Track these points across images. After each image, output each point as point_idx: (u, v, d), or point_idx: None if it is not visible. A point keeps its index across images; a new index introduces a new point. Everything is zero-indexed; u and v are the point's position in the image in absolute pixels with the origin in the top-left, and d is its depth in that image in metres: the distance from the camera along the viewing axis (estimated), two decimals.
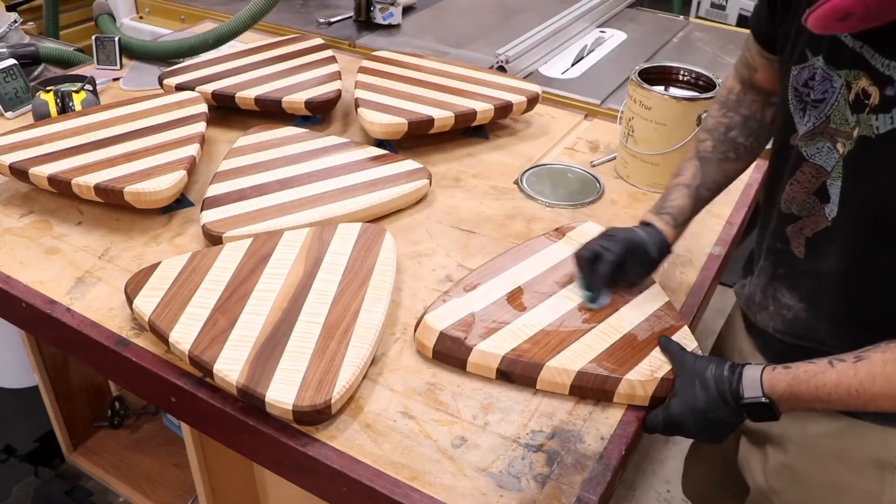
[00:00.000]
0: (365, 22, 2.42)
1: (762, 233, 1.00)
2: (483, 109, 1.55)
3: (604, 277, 1.05)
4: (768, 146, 1.05)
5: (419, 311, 1.10)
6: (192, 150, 1.37)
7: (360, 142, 1.53)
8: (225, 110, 1.64)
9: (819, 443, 0.95)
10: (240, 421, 0.96)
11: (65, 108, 1.52)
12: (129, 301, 1.07)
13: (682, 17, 2.77)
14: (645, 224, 1.09)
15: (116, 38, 1.88)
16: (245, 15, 1.86)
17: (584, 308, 1.08)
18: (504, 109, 1.58)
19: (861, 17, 0.69)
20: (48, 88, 1.56)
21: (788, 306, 0.94)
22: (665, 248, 1.08)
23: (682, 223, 1.09)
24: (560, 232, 1.25)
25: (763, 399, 0.87)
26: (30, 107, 1.60)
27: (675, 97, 1.37)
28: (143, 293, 1.07)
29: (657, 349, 1.01)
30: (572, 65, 2.19)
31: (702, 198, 1.09)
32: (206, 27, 2.13)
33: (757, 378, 0.88)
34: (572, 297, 1.10)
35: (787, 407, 0.87)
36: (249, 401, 0.95)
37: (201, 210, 1.27)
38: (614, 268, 1.04)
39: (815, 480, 0.96)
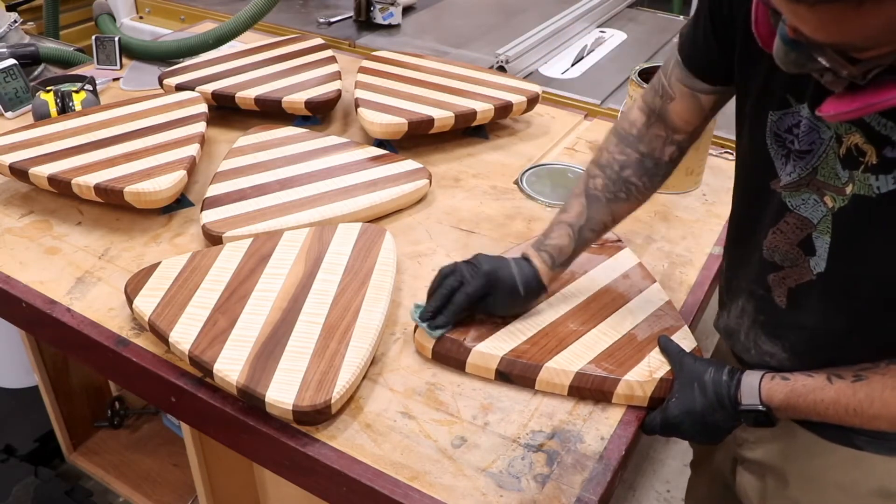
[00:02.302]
0: (365, 22, 2.42)
1: (738, 271, 0.96)
2: (483, 109, 1.55)
3: (457, 309, 1.01)
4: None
5: None
6: (192, 150, 1.37)
7: (360, 142, 1.53)
8: (225, 110, 1.64)
9: (823, 475, 0.93)
10: (240, 421, 0.96)
11: (65, 108, 1.53)
12: (129, 301, 1.07)
13: (682, 17, 2.77)
14: (524, 257, 1.05)
15: (116, 38, 1.88)
16: (245, 15, 1.86)
17: (583, 308, 1.08)
18: (504, 109, 1.58)
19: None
20: (48, 88, 1.56)
21: (771, 354, 0.92)
22: (538, 286, 1.04)
23: (560, 263, 1.05)
24: None
25: (760, 407, 0.87)
26: (30, 107, 1.60)
27: None
28: (143, 293, 1.07)
29: (657, 350, 1.01)
30: (572, 65, 2.19)
31: (584, 239, 1.04)
32: (206, 27, 2.13)
33: (755, 386, 0.88)
34: (572, 297, 1.10)
35: (783, 416, 0.88)
36: (249, 401, 0.95)
37: (201, 210, 1.27)
38: (471, 301, 1.00)
39: None
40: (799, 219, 0.83)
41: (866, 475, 0.90)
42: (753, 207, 0.90)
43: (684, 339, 1.03)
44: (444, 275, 1.03)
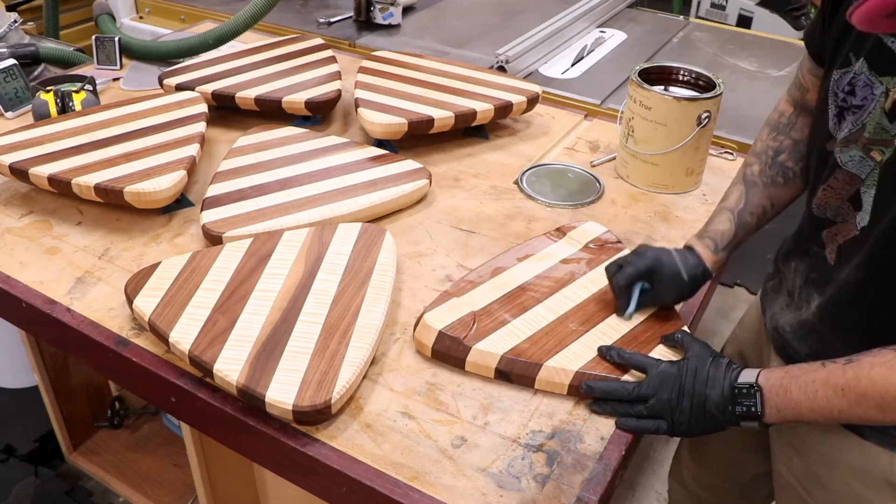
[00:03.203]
0: (365, 22, 2.42)
1: (797, 235, 0.99)
2: (483, 109, 1.55)
3: (619, 287, 1.05)
4: None
5: (419, 311, 1.10)
6: (192, 150, 1.37)
7: (360, 142, 1.53)
8: (225, 110, 1.64)
9: (836, 455, 0.94)
10: (240, 421, 0.96)
11: (65, 108, 1.53)
12: (129, 301, 1.07)
13: (682, 17, 2.77)
14: (687, 248, 1.09)
15: (116, 38, 1.88)
16: (245, 15, 1.86)
17: (583, 308, 1.08)
18: (504, 109, 1.58)
19: None
20: (48, 88, 1.56)
21: (811, 311, 0.93)
22: (701, 271, 1.07)
23: (723, 248, 1.08)
24: (561, 231, 1.25)
25: (753, 381, 0.88)
26: (30, 107, 1.60)
27: (675, 97, 1.37)
28: (143, 293, 1.07)
29: (656, 349, 1.02)
30: (572, 65, 2.19)
31: (745, 223, 1.07)
32: (206, 27, 2.13)
33: (754, 372, 0.89)
34: (572, 296, 1.10)
35: (774, 404, 0.86)
36: (249, 401, 0.95)
37: (201, 210, 1.27)
38: (632, 280, 1.05)
39: (837, 489, 0.96)
40: (847, 175, 0.84)
41: (872, 463, 0.91)
42: (814, 170, 0.92)
43: None
44: (609, 266, 1.09)
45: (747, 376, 0.89)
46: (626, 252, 1.20)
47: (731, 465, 1.29)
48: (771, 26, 3.08)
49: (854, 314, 0.87)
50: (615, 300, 1.07)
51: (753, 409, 0.87)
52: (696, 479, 1.39)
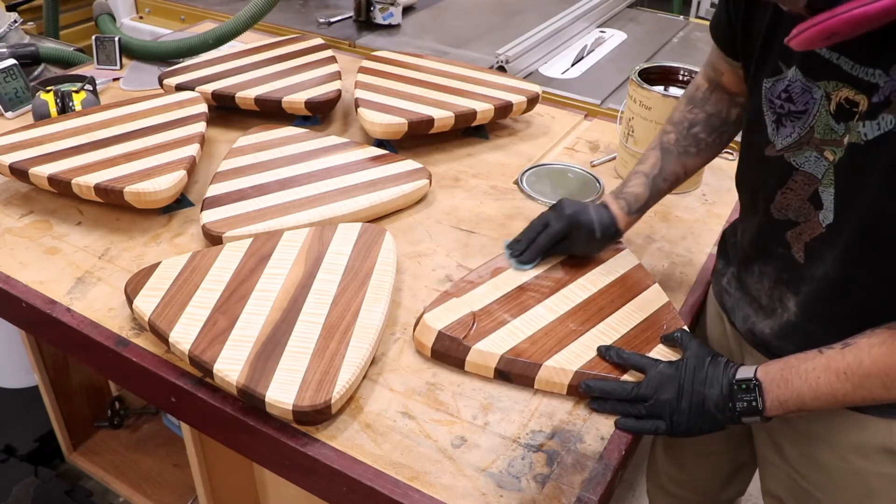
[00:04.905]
0: (365, 22, 2.42)
1: (752, 238, 0.98)
2: (483, 109, 1.55)
3: (540, 248, 1.13)
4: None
5: (419, 311, 1.10)
6: (192, 150, 1.37)
7: (360, 142, 1.53)
8: (225, 110, 1.64)
9: (835, 435, 0.95)
10: (240, 421, 0.96)
11: (65, 108, 1.53)
12: (129, 301, 1.07)
13: (682, 17, 2.77)
14: (603, 204, 1.15)
15: (116, 38, 1.88)
16: (245, 15, 1.86)
17: (583, 308, 1.09)
18: (504, 109, 1.58)
19: (845, 35, 0.69)
20: (48, 88, 1.56)
21: (791, 310, 0.94)
22: (614, 231, 1.14)
23: (636, 210, 1.14)
24: None
25: (751, 376, 0.88)
26: (30, 107, 1.60)
27: (675, 97, 1.37)
28: (143, 293, 1.07)
29: (655, 350, 1.02)
30: (572, 65, 2.19)
31: (658, 188, 1.13)
32: (206, 27, 2.13)
33: (752, 368, 0.90)
34: (572, 296, 1.10)
35: (775, 396, 0.86)
36: (249, 401, 0.95)
37: (201, 210, 1.27)
38: (553, 242, 1.13)
39: (838, 468, 0.97)
40: (805, 175, 0.86)
41: (868, 434, 0.92)
42: (758, 175, 0.94)
43: None
44: (533, 220, 1.16)
45: (745, 371, 0.90)
46: (626, 251, 1.21)
47: (710, 461, 1.29)
48: None
49: (839, 306, 0.87)
50: (528, 254, 1.15)
51: (754, 403, 0.87)
52: (675, 480, 1.39)
